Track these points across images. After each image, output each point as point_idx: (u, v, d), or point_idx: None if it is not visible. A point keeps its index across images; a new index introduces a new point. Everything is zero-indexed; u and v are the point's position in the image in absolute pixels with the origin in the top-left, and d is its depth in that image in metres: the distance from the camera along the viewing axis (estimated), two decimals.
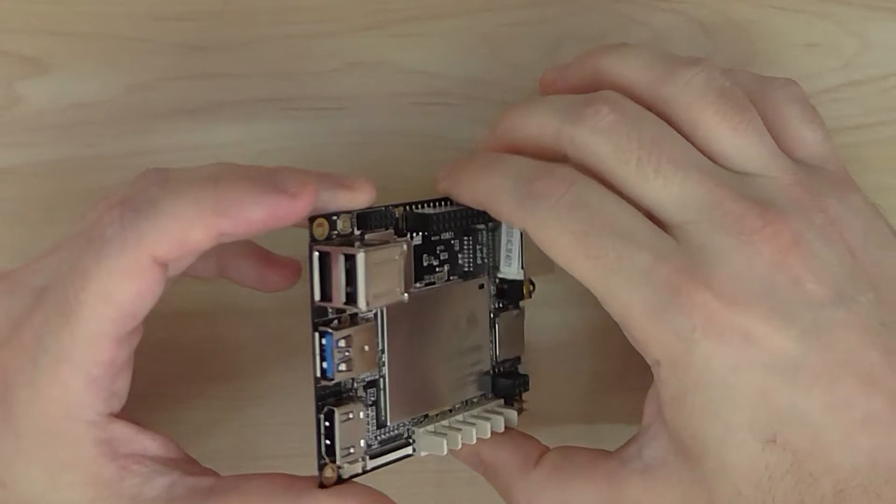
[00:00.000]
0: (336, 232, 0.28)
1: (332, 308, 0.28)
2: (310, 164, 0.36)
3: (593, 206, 0.27)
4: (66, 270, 0.27)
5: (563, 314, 0.36)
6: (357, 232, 0.28)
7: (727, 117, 0.29)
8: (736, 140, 0.29)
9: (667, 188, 0.28)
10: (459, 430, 0.31)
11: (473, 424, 0.31)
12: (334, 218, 0.28)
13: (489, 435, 0.31)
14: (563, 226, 0.27)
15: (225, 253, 0.32)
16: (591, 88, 0.30)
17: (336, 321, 0.28)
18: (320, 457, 0.28)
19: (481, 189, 0.30)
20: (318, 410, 0.28)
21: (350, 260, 0.27)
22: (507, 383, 0.33)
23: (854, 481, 0.26)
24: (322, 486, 0.28)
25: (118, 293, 0.26)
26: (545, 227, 0.28)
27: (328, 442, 0.28)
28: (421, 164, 0.36)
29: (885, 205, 0.35)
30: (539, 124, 0.30)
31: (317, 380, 0.27)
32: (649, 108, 0.29)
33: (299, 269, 0.33)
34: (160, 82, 0.36)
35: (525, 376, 0.33)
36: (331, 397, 0.28)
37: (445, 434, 0.31)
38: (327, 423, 0.28)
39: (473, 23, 0.37)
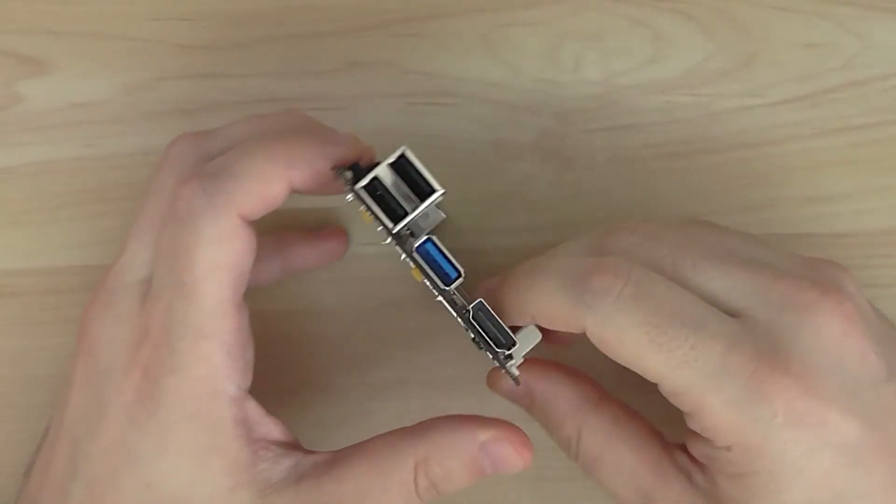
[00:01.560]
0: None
1: (405, 225, 0.27)
2: None
3: (658, 296, 0.26)
4: (167, 255, 0.27)
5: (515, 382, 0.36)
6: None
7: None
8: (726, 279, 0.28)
9: (712, 282, 0.27)
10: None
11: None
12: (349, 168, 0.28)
13: (539, 338, 0.30)
14: (630, 319, 0.26)
15: (284, 248, 0.34)
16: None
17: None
18: (502, 356, 0.28)
19: (531, 298, 0.28)
20: (468, 316, 0.28)
21: (397, 161, 0.27)
22: None
23: None
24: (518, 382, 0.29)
25: (224, 257, 0.27)
26: (610, 323, 0.26)
27: (490, 341, 0.28)
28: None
29: (885, 205, 0.36)
30: (558, 283, 0.28)
31: (444, 292, 0.28)
32: None
33: (346, 233, 0.35)
34: (160, 82, 0.36)
35: None
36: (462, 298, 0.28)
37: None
38: (479, 324, 0.28)
39: (473, 23, 0.37)
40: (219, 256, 0.27)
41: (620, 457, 0.29)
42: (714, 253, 0.28)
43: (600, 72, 0.36)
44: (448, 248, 0.28)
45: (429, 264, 0.28)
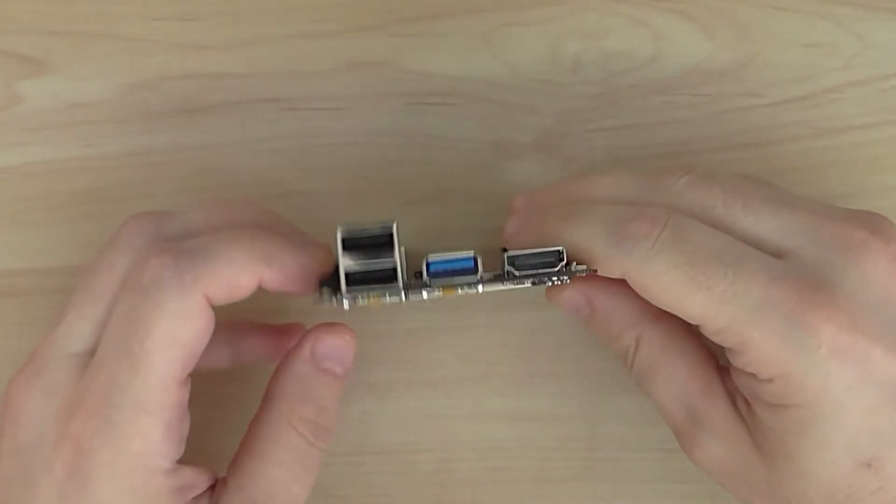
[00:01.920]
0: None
1: (405, 275, 0.28)
2: (310, 164, 0.36)
3: (696, 239, 0.27)
4: (120, 322, 0.27)
5: (565, 313, 0.36)
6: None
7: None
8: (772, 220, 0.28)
9: (760, 223, 0.28)
10: None
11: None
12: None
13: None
14: (668, 261, 0.27)
15: (237, 337, 0.33)
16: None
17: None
18: (563, 269, 0.28)
19: (569, 241, 0.28)
20: (511, 273, 0.28)
21: (345, 243, 0.27)
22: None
23: None
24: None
25: (182, 334, 0.27)
26: (648, 266, 0.27)
27: (545, 270, 0.28)
28: (421, 163, 0.36)
29: (885, 205, 0.36)
30: (616, 191, 0.30)
31: (479, 281, 0.28)
32: None
33: (302, 329, 0.33)
34: (160, 82, 0.36)
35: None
36: None
37: None
38: (525, 269, 0.28)
39: (473, 23, 0.37)
40: (176, 332, 0.27)
41: (673, 370, 0.30)
42: (765, 195, 0.28)
43: (600, 72, 0.36)
44: (441, 248, 0.28)
45: (449, 274, 0.28)
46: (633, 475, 0.33)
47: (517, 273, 0.28)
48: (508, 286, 0.28)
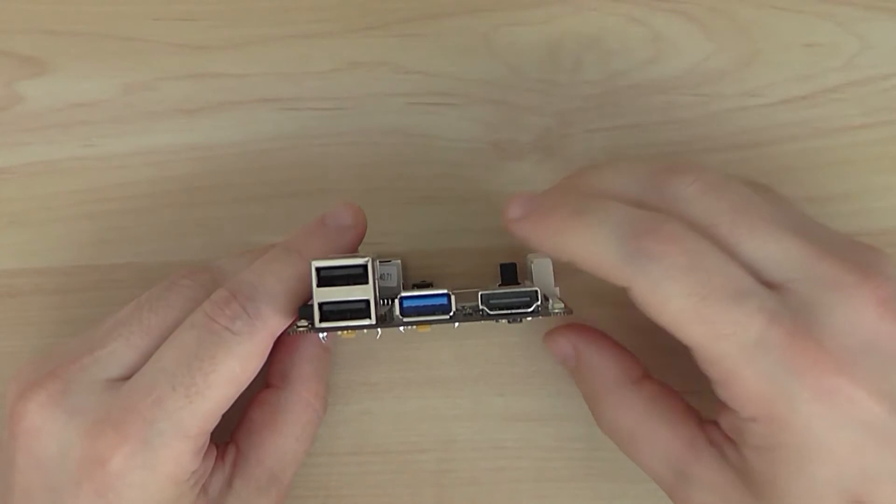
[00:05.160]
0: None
1: (377, 308, 0.28)
2: (310, 164, 0.36)
3: (709, 268, 0.26)
4: (182, 356, 0.28)
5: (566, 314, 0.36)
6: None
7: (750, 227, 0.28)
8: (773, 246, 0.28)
9: (762, 249, 0.27)
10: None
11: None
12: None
13: (550, 262, 0.31)
14: (679, 290, 0.26)
15: None
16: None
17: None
18: (538, 307, 0.29)
19: (576, 241, 0.28)
20: (485, 312, 0.29)
21: (319, 275, 0.28)
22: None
23: None
24: None
25: (242, 375, 0.29)
26: (657, 288, 0.26)
27: (519, 309, 0.29)
28: (421, 163, 0.36)
29: (885, 205, 0.36)
30: (623, 186, 0.29)
31: (452, 317, 0.28)
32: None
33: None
34: (160, 82, 0.36)
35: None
36: None
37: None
38: (499, 307, 0.29)
39: (473, 23, 0.37)
40: (238, 372, 0.29)
41: (656, 434, 0.30)
42: (771, 216, 0.28)
43: (600, 72, 0.36)
44: (417, 282, 0.29)
45: (422, 313, 0.28)
46: (633, 475, 0.33)
47: (491, 313, 0.28)
48: (483, 322, 0.29)
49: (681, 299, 0.26)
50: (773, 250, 0.27)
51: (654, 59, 0.36)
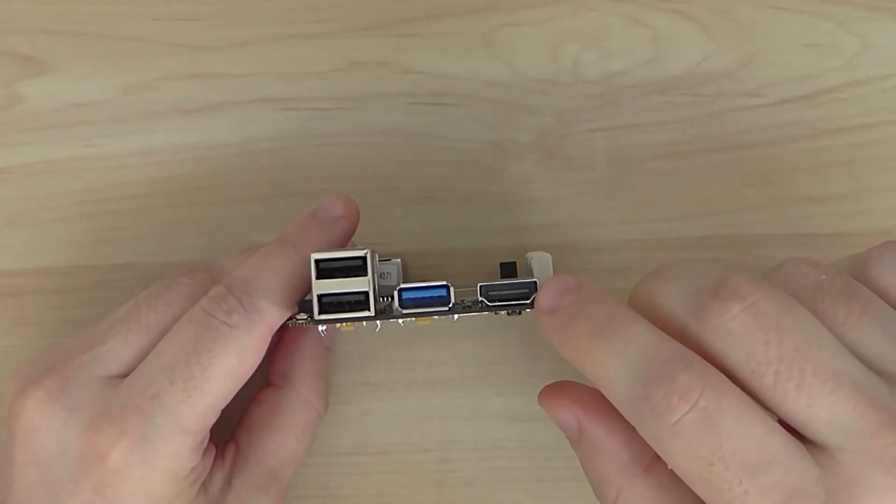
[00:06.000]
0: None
1: (376, 300, 0.28)
2: (310, 163, 0.36)
3: (723, 429, 0.23)
4: (180, 352, 0.28)
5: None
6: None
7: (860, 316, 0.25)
8: (884, 340, 0.24)
9: (812, 408, 0.23)
10: None
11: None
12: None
13: (550, 256, 0.31)
14: (684, 451, 0.23)
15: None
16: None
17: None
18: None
19: (590, 363, 0.25)
20: (484, 304, 0.29)
21: (318, 267, 0.28)
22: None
23: None
24: None
25: (240, 369, 0.29)
26: (660, 443, 0.24)
27: (518, 301, 0.29)
28: (421, 164, 0.36)
29: (885, 205, 0.36)
30: (668, 303, 0.26)
31: (451, 308, 0.28)
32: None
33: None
34: (160, 82, 0.36)
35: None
36: None
37: None
38: (497, 299, 0.29)
39: (473, 23, 0.37)
40: (237, 366, 0.29)
41: None
42: (830, 363, 0.24)
43: (600, 72, 0.36)
44: (417, 276, 0.29)
45: (421, 305, 0.28)
46: None
47: (490, 304, 0.28)
48: (483, 313, 0.29)
49: (685, 461, 0.24)
50: (823, 414, 0.23)
51: (654, 59, 0.36)
